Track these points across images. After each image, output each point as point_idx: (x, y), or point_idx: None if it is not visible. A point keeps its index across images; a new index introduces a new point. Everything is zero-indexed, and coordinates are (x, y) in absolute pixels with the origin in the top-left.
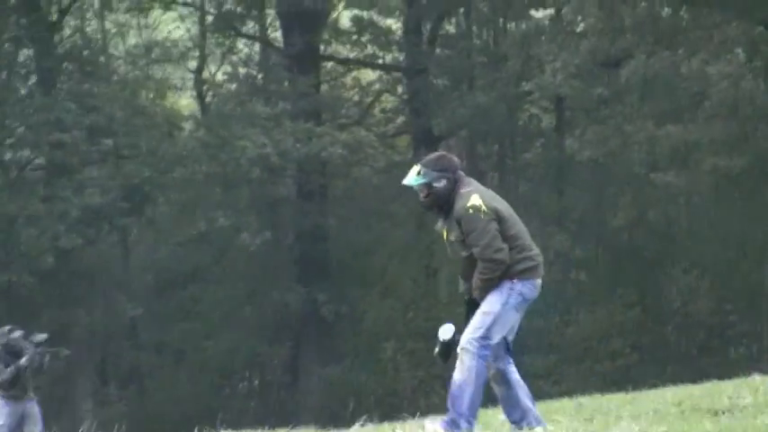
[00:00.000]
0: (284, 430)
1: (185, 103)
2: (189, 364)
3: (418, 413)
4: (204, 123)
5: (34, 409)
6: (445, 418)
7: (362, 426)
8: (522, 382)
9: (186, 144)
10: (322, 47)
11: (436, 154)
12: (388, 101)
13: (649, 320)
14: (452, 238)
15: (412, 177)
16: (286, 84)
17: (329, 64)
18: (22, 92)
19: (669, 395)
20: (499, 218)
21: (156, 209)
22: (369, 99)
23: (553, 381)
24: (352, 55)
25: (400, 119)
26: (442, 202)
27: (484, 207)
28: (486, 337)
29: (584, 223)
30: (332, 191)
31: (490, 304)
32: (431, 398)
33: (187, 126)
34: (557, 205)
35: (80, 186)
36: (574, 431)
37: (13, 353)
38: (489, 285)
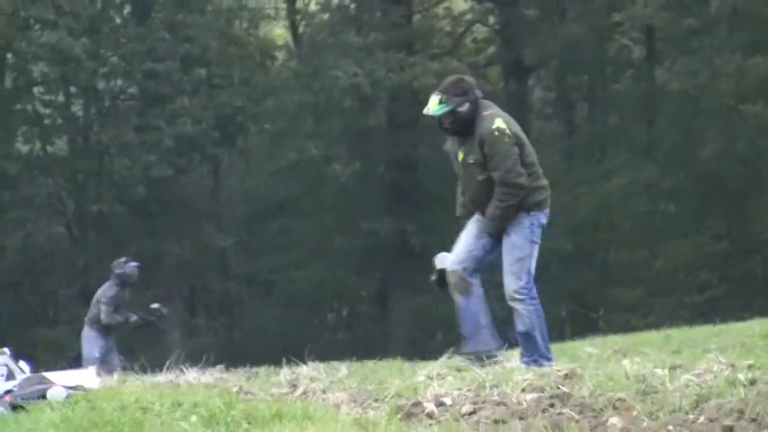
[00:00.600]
0: (372, 362)
1: (278, 32)
2: (278, 296)
3: (506, 344)
4: (297, 53)
5: (112, 342)
6: (524, 358)
7: (449, 358)
8: (484, 299)
9: (279, 74)
10: None
11: (452, 78)
12: (480, 31)
13: (737, 252)
14: (471, 160)
15: (434, 106)
16: (378, 14)
17: None
18: (117, 21)
19: (757, 328)
20: (519, 143)
21: (247, 139)
22: (460, 29)
23: (641, 313)
24: None
25: (491, 49)
26: (467, 126)
27: (507, 131)
28: (528, 281)
29: (673, 154)
30: (422, 121)
31: (520, 247)
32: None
33: (280, 56)
34: (645, 136)
35: (172, 116)
36: (661, 363)
37: (128, 283)
38: (508, 213)
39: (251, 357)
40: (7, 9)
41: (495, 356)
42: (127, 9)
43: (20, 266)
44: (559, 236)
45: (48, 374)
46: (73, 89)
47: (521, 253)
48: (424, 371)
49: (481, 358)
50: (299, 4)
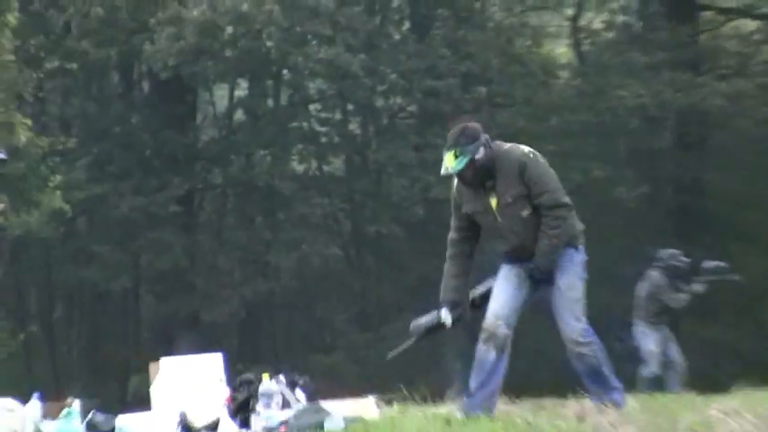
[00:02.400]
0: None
1: (561, 51)
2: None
3: None
4: (581, 72)
5: (666, 329)
6: (592, 397)
7: (739, 389)
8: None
9: (562, 93)
10: None
11: (457, 129)
12: None
13: None
14: (509, 198)
15: (452, 163)
16: (664, 33)
17: (708, 13)
18: (395, 37)
19: None
20: None
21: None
22: (749, 50)
23: None
24: (731, 5)
25: None
26: (490, 170)
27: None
28: (586, 325)
29: None
30: (711, 142)
31: (575, 287)
32: None
33: (563, 75)
34: None
35: None
36: None
37: (679, 277)
38: (561, 242)
39: (534, 386)
40: (283, 24)
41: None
42: (406, 25)
43: (294, 289)
44: None
45: (325, 403)
46: (350, 106)
47: (576, 293)
48: (717, 405)
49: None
50: (582, 22)
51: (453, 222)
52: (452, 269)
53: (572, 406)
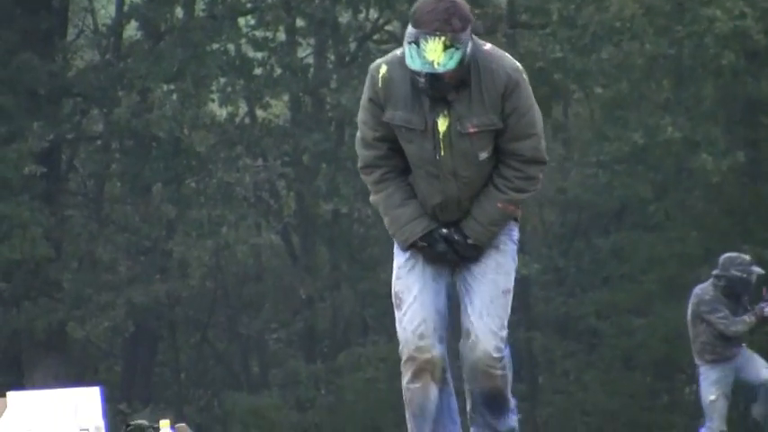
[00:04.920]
0: None
1: None
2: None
3: None
4: None
5: (746, 351)
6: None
7: None
8: None
9: (620, 11)
10: None
11: (447, 1)
12: None
13: None
14: (470, 126)
15: (441, 57)
16: None
17: None
18: None
19: None
20: None
21: None
22: None
23: None
24: None
25: None
26: (466, 76)
27: None
28: (506, 333)
29: None
30: None
31: (506, 273)
32: None
33: None
34: None
35: None
36: None
37: (742, 293)
38: (515, 212)
39: None
40: None
41: None
42: None
43: (208, 293)
44: None
45: None
46: (300, 22)
47: (506, 282)
48: None
49: None
50: None
51: (364, 141)
52: (397, 196)
53: None
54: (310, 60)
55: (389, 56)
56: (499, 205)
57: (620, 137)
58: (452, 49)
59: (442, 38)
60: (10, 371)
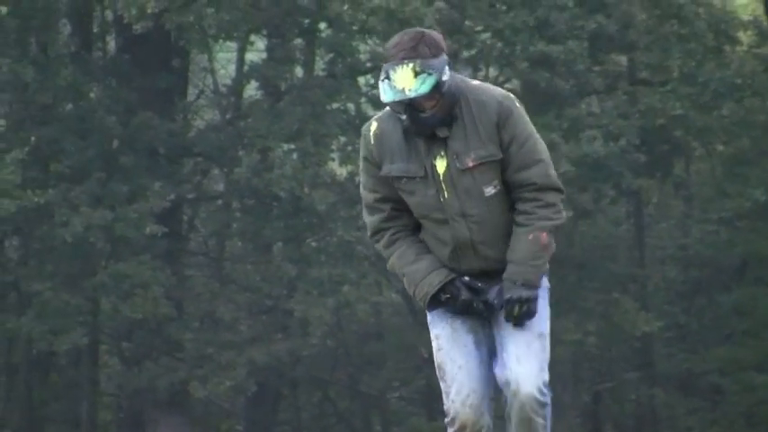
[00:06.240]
0: None
1: (742, 1)
2: (728, 408)
3: None
4: None
5: None
6: None
7: None
8: None
9: (742, 66)
10: None
11: (410, 34)
12: None
13: None
14: (469, 161)
15: (413, 84)
16: None
17: None
18: None
19: None
20: None
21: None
22: None
23: None
24: None
25: None
26: (452, 107)
27: None
28: (548, 375)
29: None
30: None
31: (539, 318)
32: None
33: (745, 37)
34: None
35: None
36: None
37: None
38: (552, 243)
39: None
40: None
41: None
42: None
43: (329, 352)
44: None
45: None
46: None
47: (540, 327)
48: None
49: None
50: None
51: (367, 207)
52: (409, 253)
53: None
54: None
55: (380, 113)
56: (530, 237)
57: (742, 193)
58: (424, 75)
59: (411, 64)
60: (132, 430)
